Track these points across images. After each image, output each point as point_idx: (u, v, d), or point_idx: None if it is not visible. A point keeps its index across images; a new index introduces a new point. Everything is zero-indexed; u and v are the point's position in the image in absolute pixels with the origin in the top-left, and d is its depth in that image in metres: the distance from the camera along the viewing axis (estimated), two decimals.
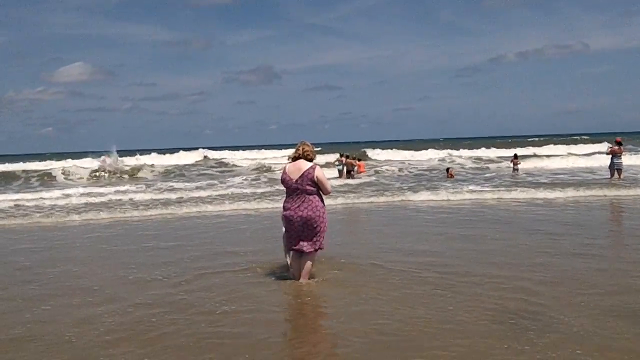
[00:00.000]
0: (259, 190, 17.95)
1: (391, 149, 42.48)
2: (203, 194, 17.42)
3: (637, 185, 16.04)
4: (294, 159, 6.15)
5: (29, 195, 17.98)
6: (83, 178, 28.10)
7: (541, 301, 5.26)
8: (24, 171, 30.69)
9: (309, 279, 6.16)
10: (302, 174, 6.00)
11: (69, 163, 33.58)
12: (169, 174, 30.15)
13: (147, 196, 16.92)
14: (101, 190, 19.16)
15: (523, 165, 26.01)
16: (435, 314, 4.96)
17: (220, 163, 35.79)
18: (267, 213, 12.81)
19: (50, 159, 39.46)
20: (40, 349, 4.45)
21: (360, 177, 22.50)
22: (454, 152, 38.85)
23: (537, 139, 65.74)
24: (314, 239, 6.06)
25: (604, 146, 32.86)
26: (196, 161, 37.63)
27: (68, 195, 17.09)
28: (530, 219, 10.89)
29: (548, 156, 32.69)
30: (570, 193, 14.79)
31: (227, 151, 47.03)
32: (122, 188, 19.90)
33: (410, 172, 26.80)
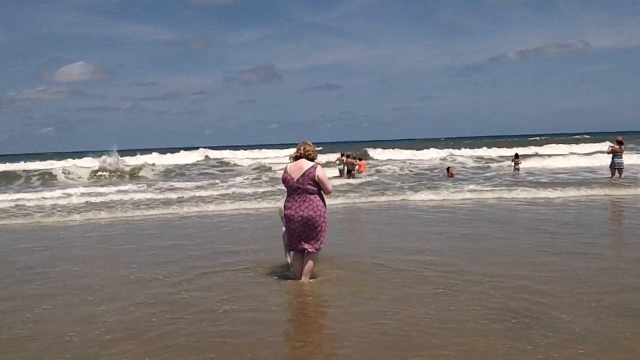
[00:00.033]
0: (260, 190, 17.95)
1: (392, 148, 42.41)
2: (204, 193, 17.44)
3: (638, 185, 16.04)
4: (296, 158, 6.16)
5: (29, 195, 18.02)
6: (84, 178, 28.16)
7: (542, 300, 5.25)
8: (24, 171, 30.77)
9: (310, 278, 6.16)
10: (304, 173, 6.00)
11: (69, 163, 33.74)
12: (169, 173, 30.22)
13: (147, 196, 16.97)
14: (102, 189, 19.22)
15: (524, 164, 25.99)
16: (436, 313, 4.95)
17: (221, 162, 35.86)
18: (267, 213, 12.80)
19: (51, 158, 39.59)
20: (41, 348, 4.45)
21: (361, 177, 22.52)
22: (455, 152, 38.86)
23: (538, 138, 65.53)
24: (315, 239, 6.06)
25: (605, 145, 32.81)
26: (197, 161, 37.63)
27: (69, 195, 17.14)
28: (531, 218, 10.88)
29: (549, 155, 32.65)
30: (571, 192, 14.76)
31: (227, 151, 47.06)
32: (122, 188, 19.97)
33: (411, 171, 26.86)
